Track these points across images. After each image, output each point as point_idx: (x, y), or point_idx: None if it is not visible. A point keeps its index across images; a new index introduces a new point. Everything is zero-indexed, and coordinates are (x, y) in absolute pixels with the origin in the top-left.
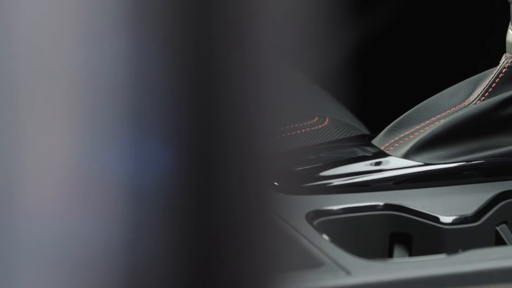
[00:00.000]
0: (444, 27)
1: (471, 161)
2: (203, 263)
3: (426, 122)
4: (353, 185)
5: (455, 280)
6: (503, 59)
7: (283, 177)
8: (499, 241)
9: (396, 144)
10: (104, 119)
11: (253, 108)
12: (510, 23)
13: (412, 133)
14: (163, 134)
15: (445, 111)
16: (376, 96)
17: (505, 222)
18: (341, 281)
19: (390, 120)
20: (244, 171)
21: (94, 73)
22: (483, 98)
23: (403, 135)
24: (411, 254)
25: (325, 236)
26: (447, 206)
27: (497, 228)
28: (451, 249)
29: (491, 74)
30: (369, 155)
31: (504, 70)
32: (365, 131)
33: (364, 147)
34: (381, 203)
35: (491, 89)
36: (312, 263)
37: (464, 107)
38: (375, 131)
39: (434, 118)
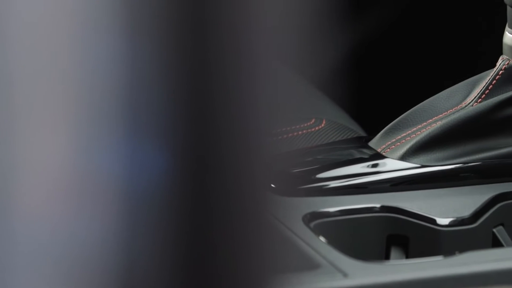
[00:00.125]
0: (441, 29)
1: (468, 163)
2: (199, 264)
3: (423, 124)
4: (350, 187)
5: (452, 282)
6: (500, 61)
7: (280, 179)
8: (496, 243)
9: (393, 146)
10: (99, 120)
11: (248, 109)
12: (507, 25)
13: (409, 135)
14: (159, 135)
15: (442, 113)
16: (373, 98)
17: (502, 224)
18: (338, 283)
19: (387, 122)
20: (240, 172)
21: (89, 74)
22: (480, 100)
23: (400, 137)
24: (408, 256)
25: (322, 238)
26: (444, 208)
27: (494, 230)
28: (448, 251)
29: (488, 76)
30: (366, 157)
31: (501, 72)
32: (362, 133)
33: (361, 149)
34: (378, 205)
35: (488, 91)
36: (309, 265)
37: (461, 109)
38: (372, 133)
39: (431, 120)
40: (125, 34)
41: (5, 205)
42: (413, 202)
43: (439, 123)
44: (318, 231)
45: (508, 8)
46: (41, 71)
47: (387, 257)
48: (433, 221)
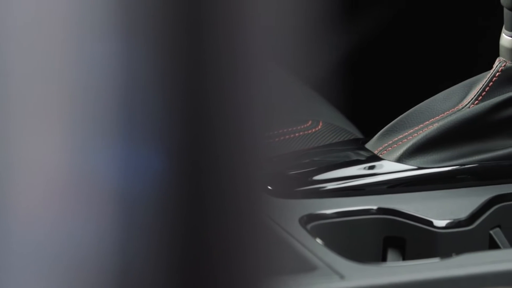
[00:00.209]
0: (438, 31)
1: (464, 165)
2: (194, 266)
3: (419, 126)
4: (347, 189)
5: (448, 284)
6: (496, 62)
7: (277, 181)
8: (493, 245)
9: (390, 148)
10: (94, 122)
11: (244, 111)
12: (503, 26)
13: (405, 137)
14: (154, 136)
15: (438, 115)
16: (370, 100)
17: (499, 226)
18: (335, 285)
19: (384, 124)
20: (235, 174)
21: (84, 75)
22: (477, 102)
23: (396, 139)
24: (404, 258)
25: (318, 240)
26: (440, 210)
27: (491, 232)
28: (444, 253)
29: (485, 78)
30: (363, 159)
31: (497, 73)
32: (358, 135)
33: (358, 151)
34: (375, 207)
35: (484, 92)
36: (306, 267)
37: (458, 110)
38: (368, 135)
39: (427, 122)
40: (120, 35)
41: (0, 206)
42: (410, 204)
43: (436, 125)
44: (314, 233)
45: (505, 10)
46: (36, 72)
47: (383, 259)
48: (430, 223)
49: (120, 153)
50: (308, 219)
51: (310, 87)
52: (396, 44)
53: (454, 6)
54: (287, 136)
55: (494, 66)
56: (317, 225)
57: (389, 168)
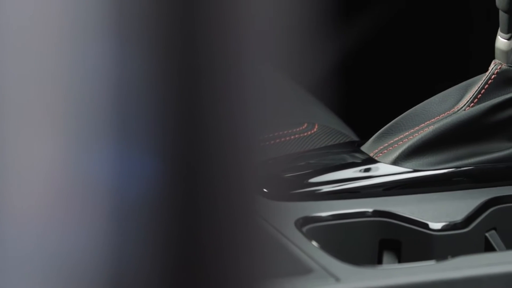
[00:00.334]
0: (432, 33)
1: (460, 167)
2: (188, 269)
3: (415, 129)
4: (343, 192)
5: (444, 286)
6: (492, 65)
7: (272, 184)
8: (488, 248)
9: (385, 151)
10: (88, 125)
11: (238, 113)
12: (499, 29)
13: (401, 139)
14: (148, 139)
15: (434, 118)
16: (365, 103)
17: (494, 229)
18: (331, 287)
19: (380, 127)
20: (230, 177)
21: (79, 78)
22: (472, 104)
23: (392, 141)
24: (400, 260)
25: (314, 243)
26: (436, 213)
27: (487, 234)
28: (440, 255)
29: (480, 81)
30: (358, 161)
31: (493, 76)
32: (354, 137)
33: (353, 153)
34: (370, 210)
35: (480, 95)
36: (301, 269)
37: (454, 113)
38: (364, 138)
39: (423, 125)
40: (114, 37)
41: None
42: (406, 206)
43: (431, 128)
44: (310, 235)
45: (501, 12)
46: (30, 73)
47: (379, 261)
48: (425, 226)
49: (114, 155)
50: (303, 222)
51: (305, 89)
52: (392, 47)
53: (450, 8)
54: (282, 139)
55: (490, 68)
56: (312, 227)
57: (385, 170)
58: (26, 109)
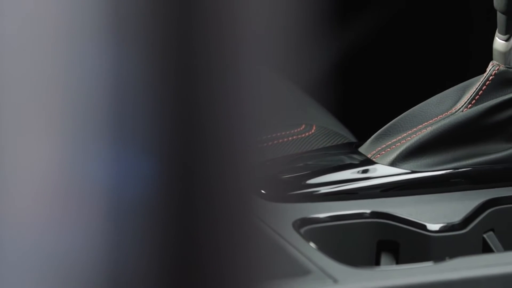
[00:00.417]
0: (430, 35)
1: (458, 168)
2: (185, 270)
3: (413, 130)
4: (340, 193)
5: (442, 287)
6: (490, 66)
7: (270, 185)
8: (486, 249)
9: (383, 152)
10: (85, 126)
11: (235, 115)
12: (497, 30)
13: (399, 140)
14: (145, 140)
15: (432, 119)
16: (363, 104)
17: (492, 230)
18: None
19: (377, 128)
20: (227, 178)
21: (75, 80)
22: (470, 105)
23: (390, 142)
24: (398, 261)
25: (312, 244)
26: (434, 214)
27: (484, 235)
28: (438, 256)
29: (478, 82)
30: (356, 162)
31: (491, 77)
32: (352, 138)
33: (351, 154)
34: (368, 211)
35: (478, 96)
36: (299, 271)
37: (451, 114)
38: (362, 139)
39: (421, 126)
40: (111, 38)
41: None
42: (403, 207)
43: (429, 129)
44: (308, 237)
45: (498, 13)
46: (27, 75)
47: (377, 263)
48: (423, 227)
49: (111, 156)
50: (301, 223)
51: (303, 90)
52: (390, 47)
53: (447, 10)
54: (280, 140)
55: (488, 69)
56: (310, 229)
57: (383, 172)
58: (22, 110)
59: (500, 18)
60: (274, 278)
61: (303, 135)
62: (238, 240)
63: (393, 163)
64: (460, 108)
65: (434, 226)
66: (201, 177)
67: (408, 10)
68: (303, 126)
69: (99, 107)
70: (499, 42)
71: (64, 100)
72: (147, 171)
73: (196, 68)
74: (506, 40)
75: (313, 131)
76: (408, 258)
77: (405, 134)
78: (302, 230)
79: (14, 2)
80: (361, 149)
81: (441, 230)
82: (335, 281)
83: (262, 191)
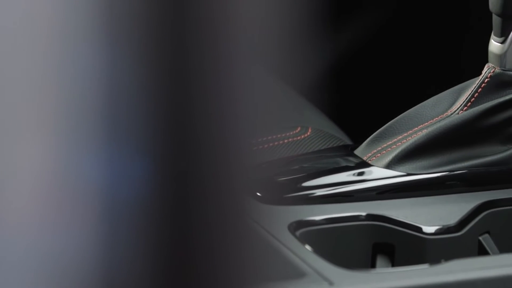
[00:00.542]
0: (425, 37)
1: (453, 171)
2: (179, 272)
3: (408, 132)
4: (336, 195)
5: None
6: (485, 69)
7: (266, 188)
8: (482, 251)
9: (379, 154)
10: (80, 127)
11: (230, 116)
12: (492, 32)
13: (394, 143)
14: (139, 142)
15: (427, 121)
16: (358, 106)
17: (488, 232)
18: None
19: (373, 130)
20: (221, 180)
21: (69, 81)
22: (466, 108)
23: (385, 145)
24: (394, 264)
25: (307, 247)
26: (429, 216)
27: (480, 238)
28: (433, 259)
29: (474, 84)
30: (352, 165)
31: (486, 80)
32: (347, 141)
33: (347, 157)
34: (364, 213)
35: (473, 99)
36: (295, 273)
37: (447, 117)
38: (358, 141)
39: (416, 128)
40: (104, 39)
41: None
42: (399, 210)
43: (424, 131)
44: (304, 239)
45: (494, 16)
46: (21, 75)
47: (373, 265)
48: (419, 229)
49: (105, 157)
50: (297, 226)
51: (299, 93)
52: (385, 50)
53: (443, 11)
54: (276, 143)
55: (483, 72)
56: (306, 231)
57: (378, 174)
58: (16, 110)
59: (496, 20)
60: (269, 281)
61: (298, 138)
62: (232, 242)
63: (388, 166)
64: (455, 111)
65: (429, 229)
66: (195, 178)
67: (403, 12)
68: (299, 129)
69: (93, 108)
70: (494, 45)
71: (58, 101)
72: (141, 171)
73: (190, 69)
74: (502, 43)
75: (308, 133)
76: (403, 260)
77: (400, 137)
78: (298, 232)
79: (7, 2)
80: (357, 152)
81: (436, 233)
82: (330, 283)
83: (258, 194)
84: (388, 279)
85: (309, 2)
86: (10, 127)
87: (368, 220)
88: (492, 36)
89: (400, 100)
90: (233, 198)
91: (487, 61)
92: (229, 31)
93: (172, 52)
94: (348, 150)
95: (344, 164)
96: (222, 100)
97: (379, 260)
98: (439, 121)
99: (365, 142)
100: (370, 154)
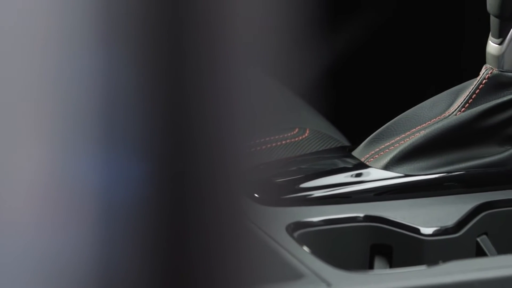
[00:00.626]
0: (423, 38)
1: (451, 172)
2: (177, 274)
3: (406, 133)
4: (334, 197)
5: None
6: (483, 70)
7: (264, 189)
8: (480, 252)
9: (377, 156)
10: (76, 130)
11: (227, 117)
12: (490, 34)
13: (392, 144)
14: (135, 144)
15: (425, 122)
16: (356, 107)
17: (486, 233)
18: None
19: (371, 132)
20: (218, 181)
21: (66, 83)
22: (463, 109)
23: (383, 146)
24: (391, 265)
25: (305, 248)
26: (427, 218)
27: (478, 239)
28: (431, 260)
29: (471, 85)
30: (350, 166)
31: (484, 81)
32: (345, 142)
33: (345, 158)
34: (362, 215)
35: (471, 100)
36: (293, 275)
37: (445, 118)
38: (355, 143)
39: (414, 129)
40: (102, 43)
41: None
42: (397, 211)
43: (422, 132)
44: (301, 241)
45: (492, 17)
46: (17, 77)
47: (371, 266)
48: (417, 231)
49: (101, 162)
50: (295, 227)
51: (296, 94)
52: (383, 51)
53: (441, 12)
54: (274, 144)
55: (481, 73)
56: (304, 232)
57: (376, 175)
58: (14, 112)
59: (493, 22)
60: (267, 282)
61: (296, 139)
62: (229, 243)
63: (386, 167)
64: (453, 112)
65: (427, 230)
66: (192, 179)
67: (401, 13)
68: (297, 130)
69: (90, 109)
70: (492, 46)
71: (55, 102)
72: (138, 172)
73: (187, 71)
74: (499, 44)
75: (306, 135)
76: (401, 262)
77: (398, 138)
78: (296, 234)
79: (3, 4)
80: (355, 153)
81: (434, 234)
82: (328, 285)
83: (256, 195)
84: (386, 281)
85: (306, 3)
86: (7, 129)
87: (366, 222)
88: (490, 37)
89: (398, 101)
90: (230, 199)
91: (484, 63)
92: (226, 33)
93: (169, 53)
94: (346, 152)
95: (342, 165)
96: (219, 101)
97: (377, 262)
98: (437, 122)
99: (363, 143)
100: (368, 155)
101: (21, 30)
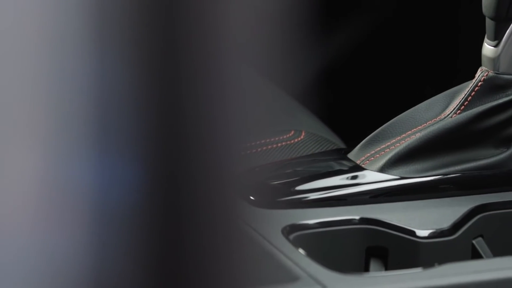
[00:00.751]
0: (418, 41)
1: (447, 174)
2: (171, 277)
3: (402, 136)
4: (329, 199)
5: None
6: (478, 72)
7: (259, 191)
8: (475, 255)
9: (372, 158)
10: (70, 133)
11: (222, 121)
12: (485, 36)
13: (388, 146)
14: (129, 147)
15: (421, 125)
16: (352, 110)
17: (481, 236)
18: None
19: (366, 134)
20: (212, 184)
21: (60, 86)
22: (459, 111)
23: (379, 148)
24: (387, 268)
25: (301, 250)
26: (423, 220)
27: (473, 241)
28: (427, 262)
29: (467, 88)
30: (345, 169)
31: (479, 83)
32: (341, 145)
33: (340, 161)
34: (357, 217)
35: (467, 102)
36: (288, 277)
37: (440, 120)
38: (351, 145)
39: (410, 132)
40: (95, 46)
41: None
42: (393, 214)
43: (418, 135)
44: (297, 243)
45: (487, 19)
46: (11, 80)
47: (366, 269)
48: (412, 233)
49: (95, 165)
50: (290, 229)
51: (292, 97)
52: (378, 53)
53: (437, 13)
54: (269, 146)
55: (476, 75)
56: (299, 235)
57: (372, 178)
58: (7, 115)
59: (489, 24)
60: (263, 285)
61: (292, 141)
62: (225, 246)
63: (382, 169)
64: (449, 114)
65: (423, 232)
66: (187, 181)
67: (396, 15)
68: (292, 132)
69: (83, 112)
70: (488, 48)
71: (48, 104)
72: (132, 174)
73: (182, 73)
74: (495, 46)
75: (302, 137)
76: (397, 264)
77: (394, 140)
78: (291, 236)
79: None
80: (350, 155)
81: (430, 236)
82: (324, 287)
83: (251, 198)
84: (382, 283)
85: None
86: (1, 131)
87: (362, 224)
88: (486, 39)
89: (393, 104)
90: (225, 201)
91: (480, 65)
92: (220, 34)
93: (163, 55)
94: (342, 154)
95: (337, 167)
96: (214, 103)
97: (373, 264)
98: (433, 124)
99: (359, 145)
100: (363, 158)
101: (14, 31)
